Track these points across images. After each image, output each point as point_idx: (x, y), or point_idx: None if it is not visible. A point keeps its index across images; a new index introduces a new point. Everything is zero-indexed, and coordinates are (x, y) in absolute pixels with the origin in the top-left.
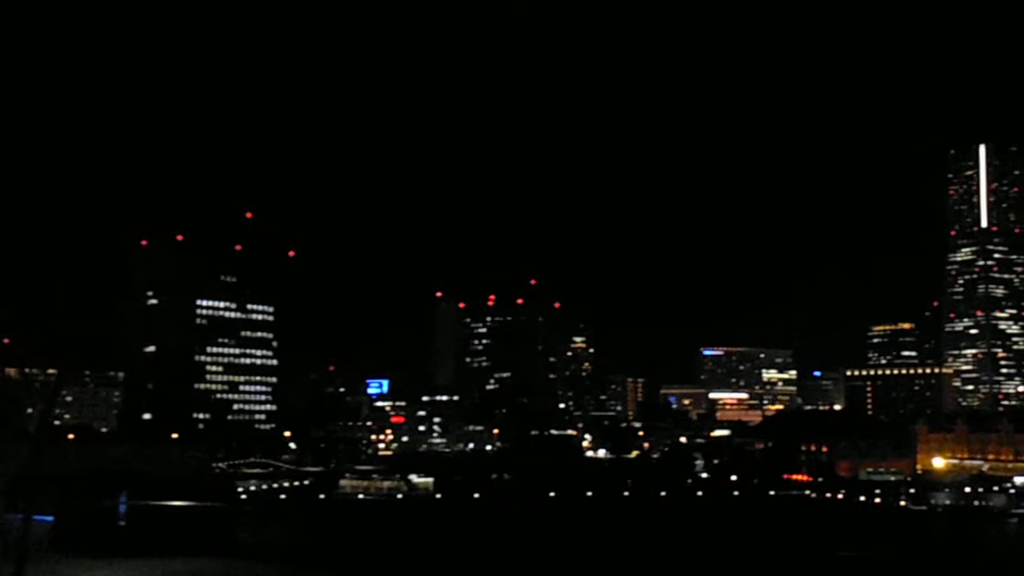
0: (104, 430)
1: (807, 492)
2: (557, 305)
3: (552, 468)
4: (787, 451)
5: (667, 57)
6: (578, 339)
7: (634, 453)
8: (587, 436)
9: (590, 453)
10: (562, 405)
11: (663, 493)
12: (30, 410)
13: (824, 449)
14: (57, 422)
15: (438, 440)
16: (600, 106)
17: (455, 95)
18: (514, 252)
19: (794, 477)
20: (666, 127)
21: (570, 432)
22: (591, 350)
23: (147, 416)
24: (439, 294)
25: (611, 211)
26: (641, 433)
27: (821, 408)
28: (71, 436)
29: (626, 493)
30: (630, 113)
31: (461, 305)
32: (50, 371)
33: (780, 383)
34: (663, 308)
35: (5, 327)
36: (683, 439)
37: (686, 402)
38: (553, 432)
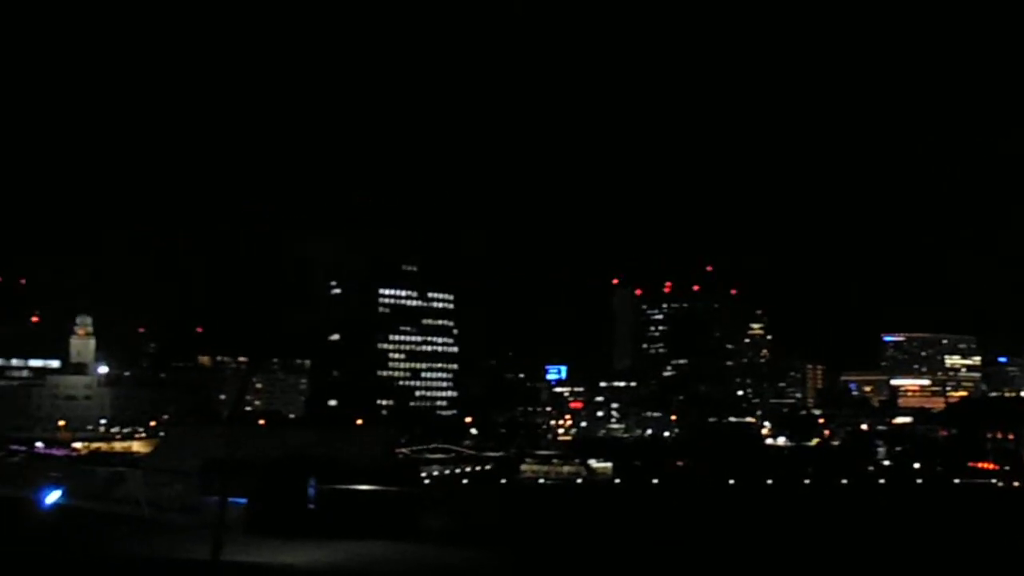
0: (292, 416)
1: (993, 481)
2: (734, 292)
3: (731, 455)
4: (972, 438)
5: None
6: (756, 326)
7: (814, 441)
8: (766, 424)
9: (769, 441)
10: (740, 392)
11: (844, 481)
12: (223, 397)
13: (1011, 437)
14: (248, 408)
15: (616, 426)
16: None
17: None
18: (691, 239)
19: (980, 465)
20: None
21: (748, 419)
22: (769, 337)
23: (332, 402)
24: (616, 281)
25: (788, 197)
26: (821, 420)
27: (1007, 395)
28: (262, 422)
29: (807, 481)
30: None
31: (638, 292)
32: (241, 359)
33: (964, 369)
34: (843, 294)
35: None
36: (864, 426)
37: (867, 389)
38: (731, 419)
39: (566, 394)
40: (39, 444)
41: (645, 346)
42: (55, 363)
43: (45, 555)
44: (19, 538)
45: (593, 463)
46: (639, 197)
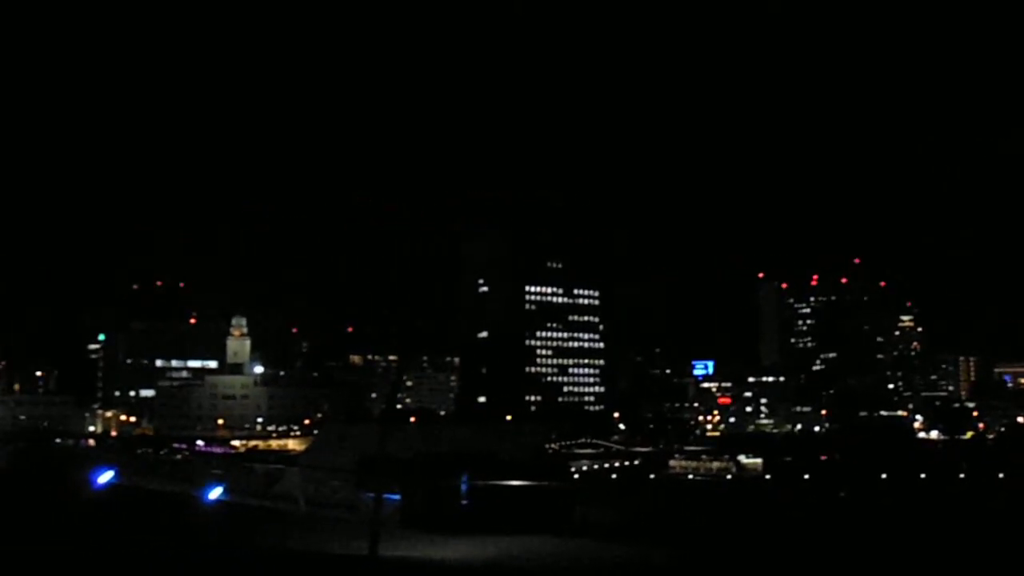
0: (442, 413)
1: None
2: (883, 284)
3: (882, 450)
4: None
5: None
6: (905, 318)
7: (968, 434)
8: (918, 417)
9: (922, 434)
10: (891, 385)
11: (1001, 475)
12: (374, 395)
13: None
14: (399, 406)
15: (765, 421)
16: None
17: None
18: (838, 231)
19: None
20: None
21: (900, 413)
22: (919, 329)
23: (482, 399)
24: (761, 275)
25: (936, 186)
26: (975, 413)
27: None
28: (413, 419)
29: (961, 475)
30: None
31: (784, 285)
32: (391, 358)
33: None
34: (996, 283)
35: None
36: (1020, 419)
37: (1023, 380)
38: (882, 413)
39: (713, 389)
40: (199, 442)
41: (793, 340)
42: (213, 363)
43: (211, 548)
44: (186, 531)
45: (742, 459)
46: (784, 191)
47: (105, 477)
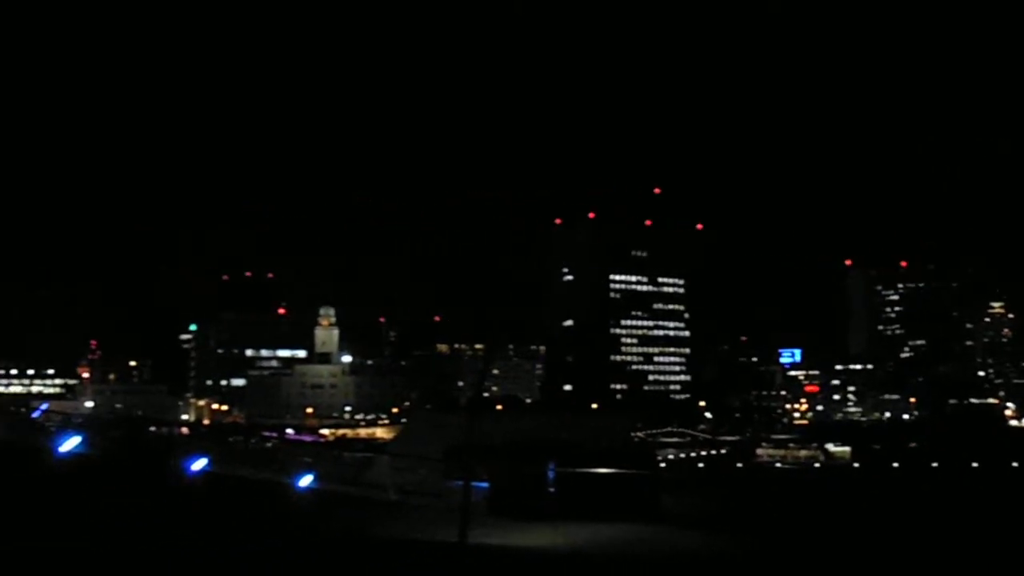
0: (528, 401)
1: None
2: (971, 270)
3: (973, 438)
4: None
5: None
6: (996, 304)
7: None
8: (1009, 405)
9: (1014, 422)
10: (981, 373)
11: None
12: (461, 383)
13: None
14: (486, 394)
15: (853, 409)
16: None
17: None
18: (924, 218)
19: None
20: None
21: (991, 400)
22: (1010, 315)
23: (567, 387)
24: (848, 262)
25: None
26: None
27: None
28: (499, 407)
29: None
30: None
31: (872, 273)
32: (477, 347)
33: None
34: None
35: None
36: None
37: None
38: (973, 401)
39: (800, 377)
40: (289, 431)
41: (881, 328)
42: (302, 353)
43: (304, 535)
44: (280, 518)
45: (830, 447)
46: (872, 178)
47: (198, 465)
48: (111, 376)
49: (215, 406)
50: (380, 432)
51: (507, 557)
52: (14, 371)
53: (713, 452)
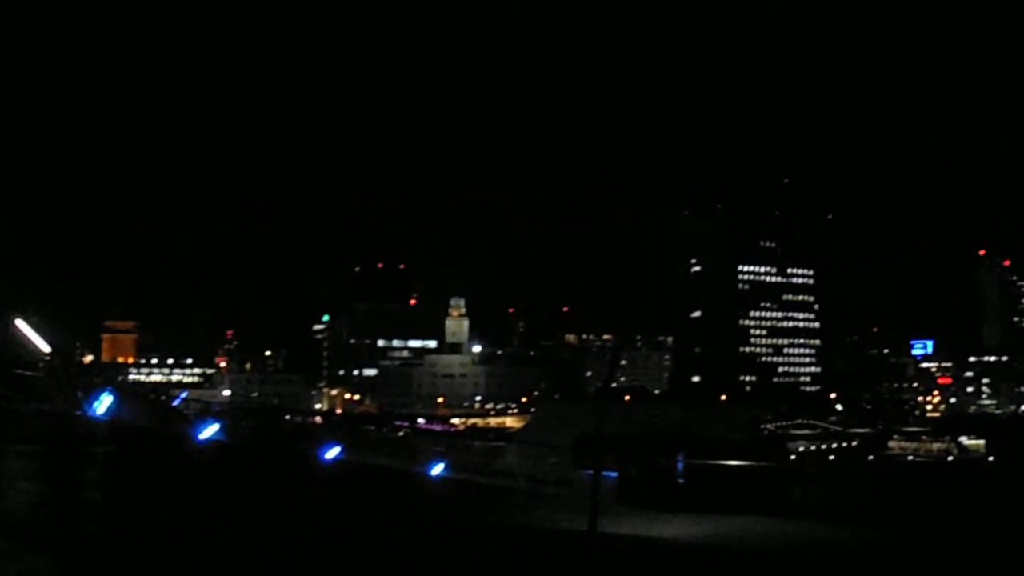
0: (656, 392)
1: None
2: None
3: None
4: None
5: None
6: None
7: None
8: None
9: None
10: None
11: None
12: (589, 373)
13: None
14: (614, 384)
15: (987, 401)
16: None
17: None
18: None
19: None
20: None
21: None
22: None
23: (696, 379)
24: (982, 252)
25: None
26: None
27: None
28: (627, 397)
29: None
30: None
31: (1006, 263)
32: (605, 337)
33: None
34: None
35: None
36: None
37: None
38: None
39: (933, 369)
40: (420, 420)
41: (1016, 319)
42: (432, 343)
43: (438, 522)
44: (414, 506)
45: (964, 440)
46: (1007, 166)
47: (332, 453)
48: (247, 365)
49: (348, 395)
50: (509, 421)
51: (636, 546)
52: (155, 360)
53: (844, 444)
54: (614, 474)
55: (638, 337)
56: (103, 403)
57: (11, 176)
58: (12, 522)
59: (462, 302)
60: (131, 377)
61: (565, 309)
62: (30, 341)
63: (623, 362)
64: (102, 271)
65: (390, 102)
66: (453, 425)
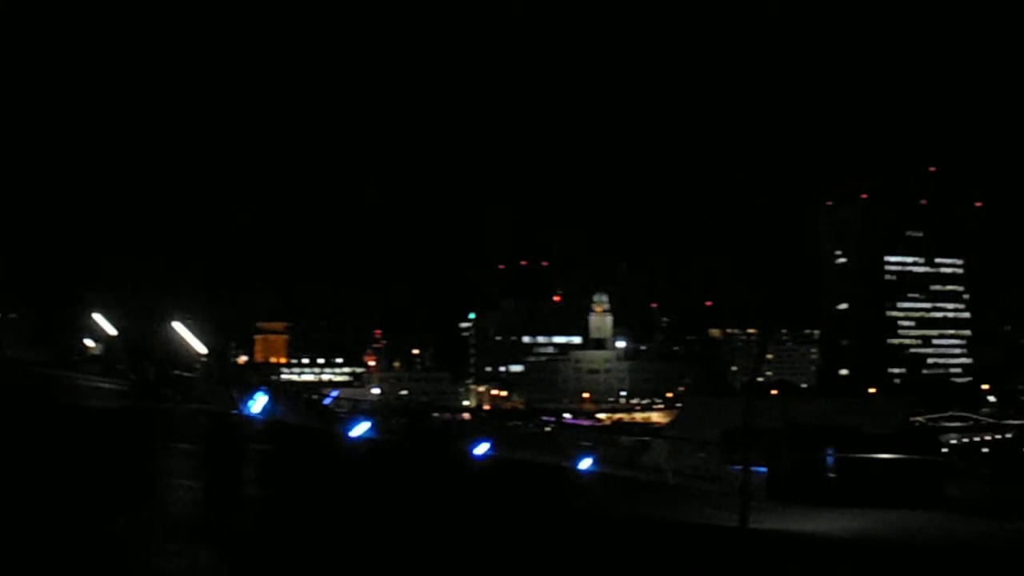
0: (803, 386)
1: None
2: None
3: None
4: None
5: None
6: None
7: None
8: None
9: None
10: None
11: None
12: (734, 368)
13: None
14: (760, 379)
15: None
16: None
17: None
18: None
19: None
20: None
21: None
22: None
23: (844, 372)
24: None
25: None
26: None
27: None
28: (774, 391)
29: None
30: None
31: None
32: (749, 331)
33: None
34: None
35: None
36: None
37: None
38: None
39: None
40: (566, 415)
41: None
42: (577, 339)
43: (589, 516)
44: (564, 501)
45: None
46: None
47: (481, 449)
48: (396, 364)
49: (494, 392)
50: (655, 416)
51: (788, 541)
52: (305, 360)
53: (998, 437)
54: (763, 469)
55: (784, 331)
56: (258, 402)
57: (169, 184)
58: (177, 518)
59: (605, 298)
60: (283, 377)
61: (708, 303)
62: (187, 343)
63: (769, 356)
64: (254, 274)
65: (533, 99)
66: (599, 420)
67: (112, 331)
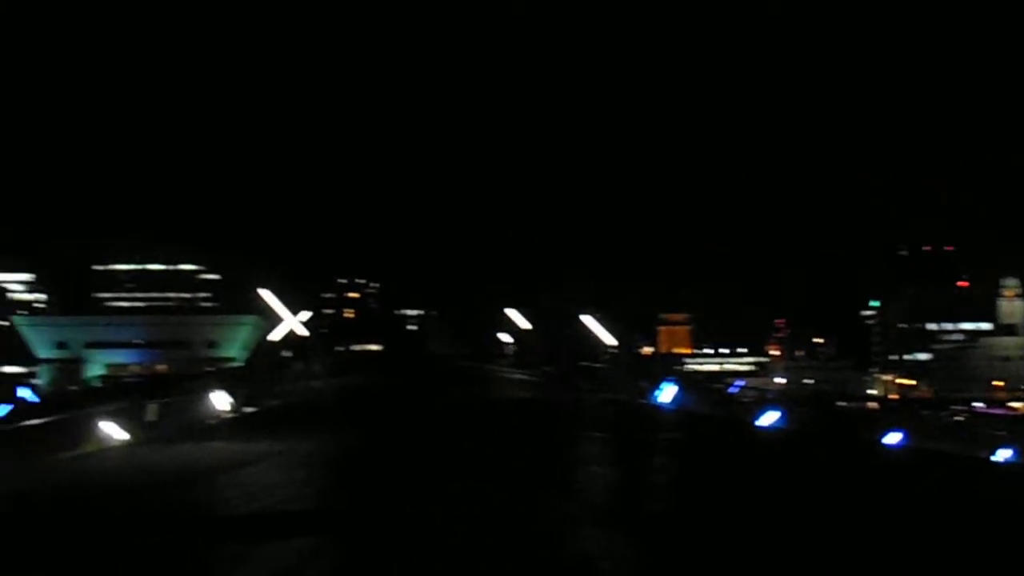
0: None
1: None
2: None
3: None
4: None
5: None
6: None
7: None
8: None
9: None
10: None
11: None
12: None
13: None
14: None
15: None
16: None
17: None
18: None
19: None
20: None
21: None
22: None
23: None
24: None
25: None
26: None
27: None
28: None
29: None
30: None
31: None
32: None
33: None
34: None
35: None
36: None
37: None
38: None
39: None
40: (978, 404)
41: None
42: (986, 325)
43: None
44: (985, 495)
45: None
46: None
47: (894, 438)
48: (798, 352)
49: (900, 380)
50: None
51: None
52: (709, 350)
53: None
54: None
55: None
56: (667, 392)
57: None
58: (591, 504)
59: (1016, 282)
60: (687, 367)
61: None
62: (596, 336)
63: None
64: (656, 272)
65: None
66: (1013, 408)
67: (526, 326)
